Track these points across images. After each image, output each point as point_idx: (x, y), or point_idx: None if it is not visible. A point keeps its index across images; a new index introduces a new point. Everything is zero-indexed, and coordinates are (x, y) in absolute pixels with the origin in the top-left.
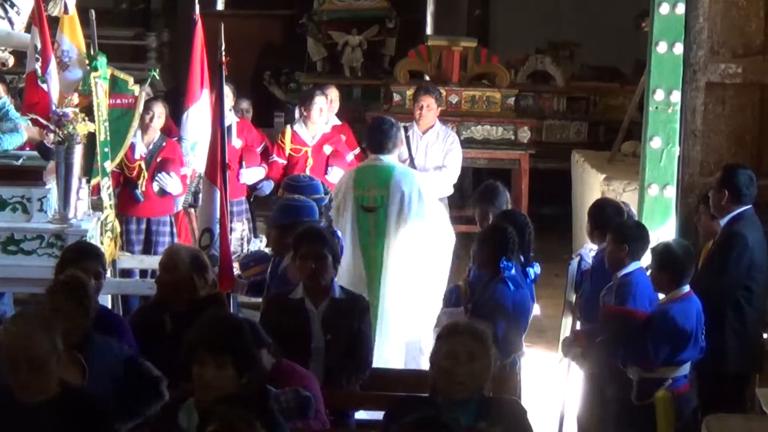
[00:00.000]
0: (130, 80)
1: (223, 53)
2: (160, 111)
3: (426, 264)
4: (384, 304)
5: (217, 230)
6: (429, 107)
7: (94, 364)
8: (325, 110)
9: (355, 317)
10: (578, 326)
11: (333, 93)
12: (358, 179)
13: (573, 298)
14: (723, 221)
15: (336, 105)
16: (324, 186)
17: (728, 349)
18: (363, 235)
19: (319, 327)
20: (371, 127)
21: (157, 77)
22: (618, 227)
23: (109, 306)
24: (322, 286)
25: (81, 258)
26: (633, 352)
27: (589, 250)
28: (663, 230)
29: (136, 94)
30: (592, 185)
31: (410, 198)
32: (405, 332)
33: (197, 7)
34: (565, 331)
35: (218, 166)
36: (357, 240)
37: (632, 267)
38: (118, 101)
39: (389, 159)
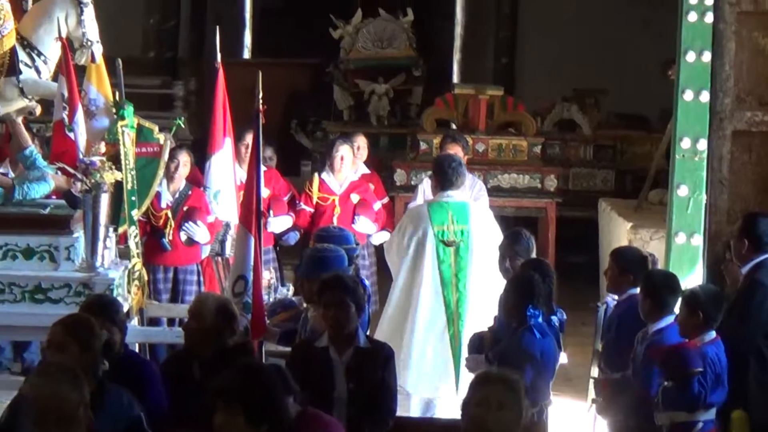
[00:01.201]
0: (155, 129)
1: (261, 101)
2: (185, 159)
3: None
4: (466, 335)
5: (251, 277)
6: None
7: (101, 416)
8: (347, 159)
9: (379, 366)
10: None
11: (361, 141)
12: (434, 215)
13: (600, 346)
14: (744, 269)
15: (364, 152)
16: (353, 236)
17: (751, 398)
18: (444, 269)
19: (343, 375)
20: (440, 165)
21: (183, 126)
22: (647, 279)
23: None
24: (346, 334)
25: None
26: (685, 394)
27: (613, 298)
28: (691, 279)
29: (161, 142)
30: (619, 234)
31: (488, 232)
32: None
33: (219, 55)
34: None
35: (253, 213)
36: (438, 273)
37: (665, 322)
38: (144, 150)
39: (458, 195)
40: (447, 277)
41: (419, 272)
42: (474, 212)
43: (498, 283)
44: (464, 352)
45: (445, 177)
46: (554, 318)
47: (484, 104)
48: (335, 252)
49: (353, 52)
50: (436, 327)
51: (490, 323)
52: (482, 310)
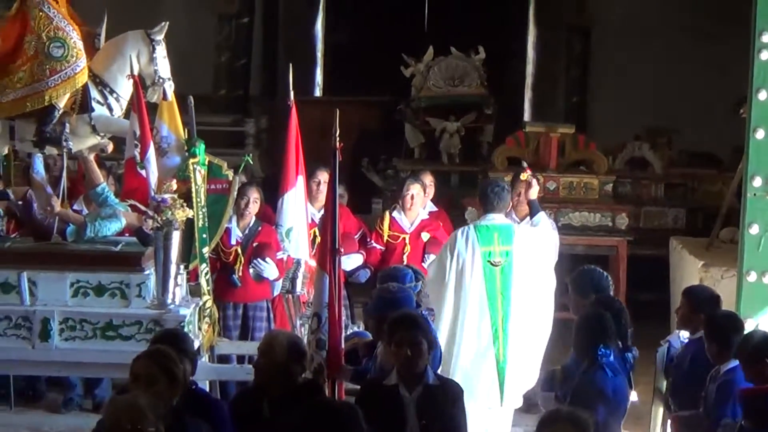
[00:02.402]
0: (224, 165)
1: (338, 139)
2: (255, 196)
3: (541, 317)
4: (511, 354)
5: (326, 315)
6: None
7: None
8: (418, 197)
9: (448, 403)
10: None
11: (427, 179)
12: (481, 236)
13: (663, 385)
14: None
15: (431, 190)
16: (413, 271)
17: None
18: (490, 288)
19: (414, 413)
20: (483, 190)
21: (251, 162)
22: (710, 322)
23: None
24: (417, 372)
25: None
26: None
27: (679, 336)
28: (762, 318)
29: (230, 179)
30: (690, 272)
31: (531, 253)
32: (526, 383)
33: (291, 93)
34: (656, 419)
35: (328, 251)
36: (484, 293)
37: (736, 361)
38: (213, 186)
39: (500, 218)
40: (492, 296)
41: (464, 291)
42: (518, 234)
43: (543, 304)
44: (509, 368)
45: (487, 200)
46: (629, 354)
47: (555, 142)
48: (403, 292)
49: (424, 90)
50: (482, 344)
51: (533, 341)
52: (526, 328)
